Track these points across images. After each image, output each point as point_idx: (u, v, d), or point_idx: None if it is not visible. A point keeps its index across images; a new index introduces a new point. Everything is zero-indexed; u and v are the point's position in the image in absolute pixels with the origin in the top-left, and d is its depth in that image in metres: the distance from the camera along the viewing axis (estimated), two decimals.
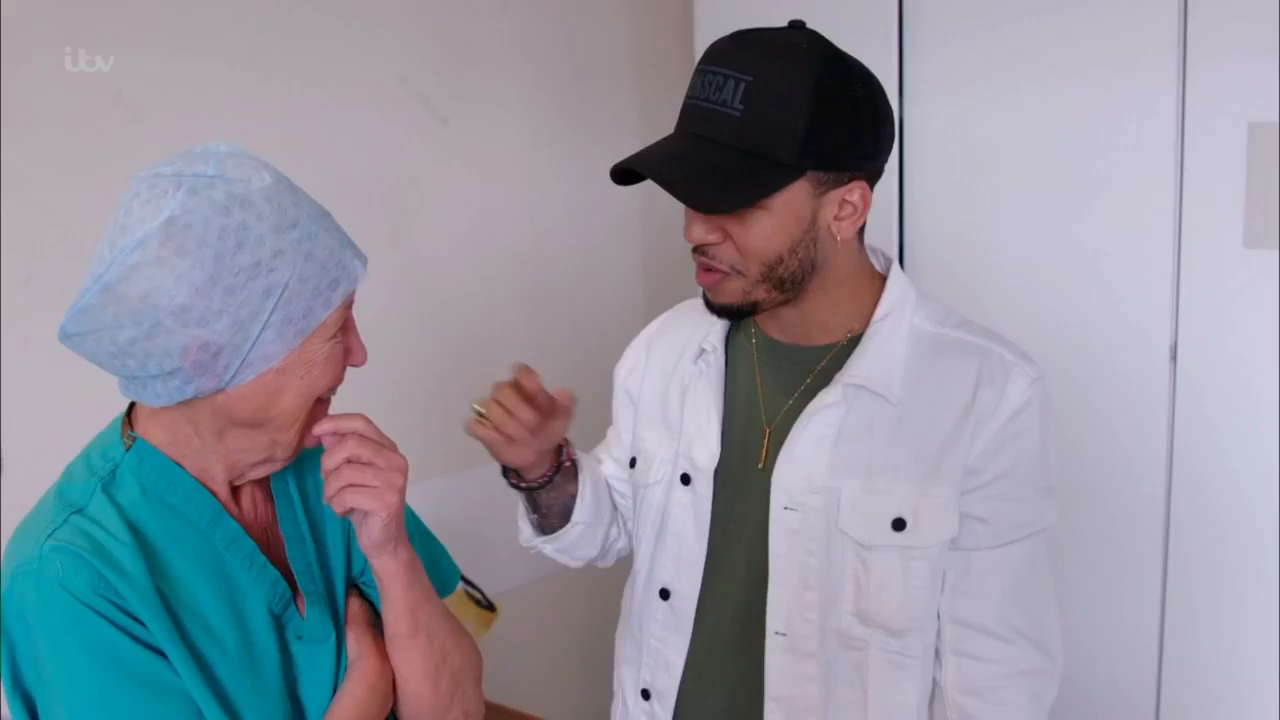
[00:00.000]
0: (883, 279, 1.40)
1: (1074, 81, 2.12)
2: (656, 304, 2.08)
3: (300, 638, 1.20)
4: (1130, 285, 2.10)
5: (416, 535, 1.37)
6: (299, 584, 1.22)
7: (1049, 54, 2.14)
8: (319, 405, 1.18)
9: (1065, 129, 2.14)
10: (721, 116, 1.23)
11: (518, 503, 1.53)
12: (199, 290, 1.03)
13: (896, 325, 1.36)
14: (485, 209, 2.62)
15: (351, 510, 1.17)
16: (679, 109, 1.31)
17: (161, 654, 1.07)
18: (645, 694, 1.47)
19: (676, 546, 1.43)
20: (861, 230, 1.36)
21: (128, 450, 1.15)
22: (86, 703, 1.04)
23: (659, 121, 2.56)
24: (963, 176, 2.29)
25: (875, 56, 2.37)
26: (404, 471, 1.18)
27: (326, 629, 1.22)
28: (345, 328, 1.17)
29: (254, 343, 1.07)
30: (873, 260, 1.42)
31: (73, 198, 1.87)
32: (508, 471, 1.48)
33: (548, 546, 1.52)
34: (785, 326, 1.39)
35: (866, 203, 1.30)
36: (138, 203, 1.05)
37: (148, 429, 1.16)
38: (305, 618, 1.21)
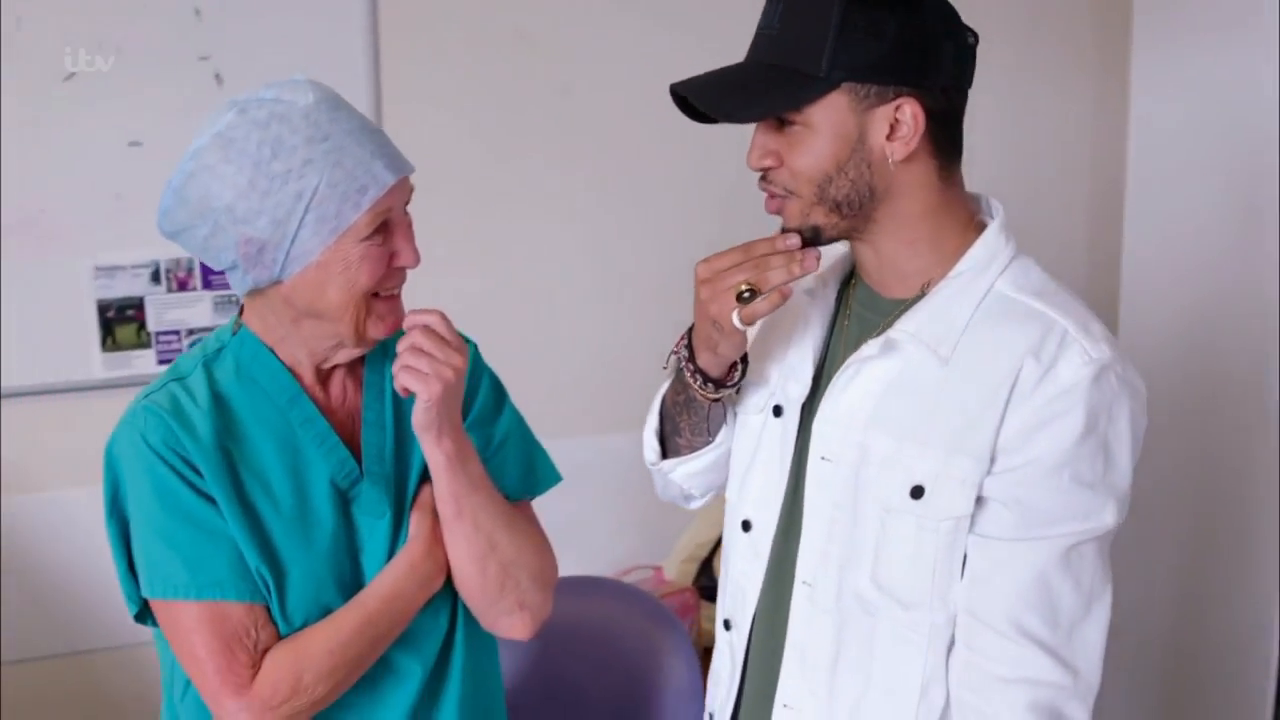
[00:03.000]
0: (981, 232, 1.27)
1: None
2: None
3: (359, 511, 1.36)
4: None
5: (517, 437, 1.48)
6: (364, 465, 1.37)
7: None
8: (379, 301, 1.32)
9: None
10: (765, 38, 1.25)
11: (648, 423, 1.48)
12: (241, 193, 1.24)
13: (972, 284, 1.25)
14: None
15: (409, 392, 1.30)
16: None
17: (212, 501, 1.29)
18: (726, 624, 1.45)
19: (762, 478, 1.38)
20: (948, 165, 1.24)
21: (234, 335, 1.38)
22: (150, 529, 1.29)
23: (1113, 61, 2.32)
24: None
25: None
26: (457, 369, 1.29)
27: (382, 507, 1.36)
28: (390, 231, 1.30)
29: (293, 240, 1.25)
30: (982, 211, 1.30)
31: None
32: (695, 380, 1.34)
33: (680, 468, 1.46)
34: (868, 271, 1.33)
35: (919, 123, 1.20)
36: (206, 123, 1.28)
37: (248, 318, 1.38)
38: (366, 495, 1.36)
